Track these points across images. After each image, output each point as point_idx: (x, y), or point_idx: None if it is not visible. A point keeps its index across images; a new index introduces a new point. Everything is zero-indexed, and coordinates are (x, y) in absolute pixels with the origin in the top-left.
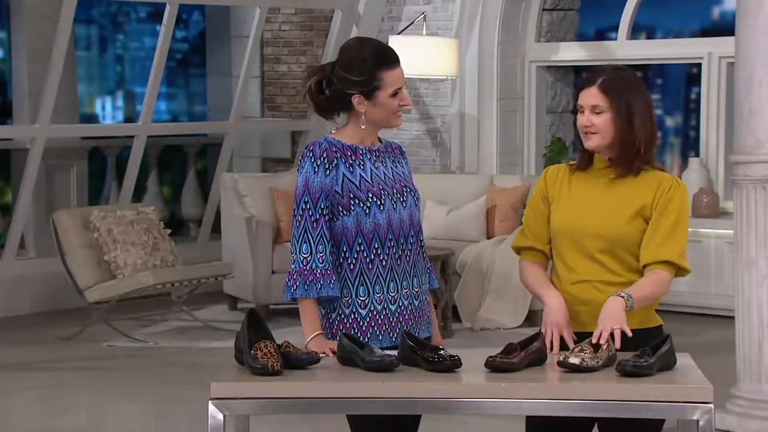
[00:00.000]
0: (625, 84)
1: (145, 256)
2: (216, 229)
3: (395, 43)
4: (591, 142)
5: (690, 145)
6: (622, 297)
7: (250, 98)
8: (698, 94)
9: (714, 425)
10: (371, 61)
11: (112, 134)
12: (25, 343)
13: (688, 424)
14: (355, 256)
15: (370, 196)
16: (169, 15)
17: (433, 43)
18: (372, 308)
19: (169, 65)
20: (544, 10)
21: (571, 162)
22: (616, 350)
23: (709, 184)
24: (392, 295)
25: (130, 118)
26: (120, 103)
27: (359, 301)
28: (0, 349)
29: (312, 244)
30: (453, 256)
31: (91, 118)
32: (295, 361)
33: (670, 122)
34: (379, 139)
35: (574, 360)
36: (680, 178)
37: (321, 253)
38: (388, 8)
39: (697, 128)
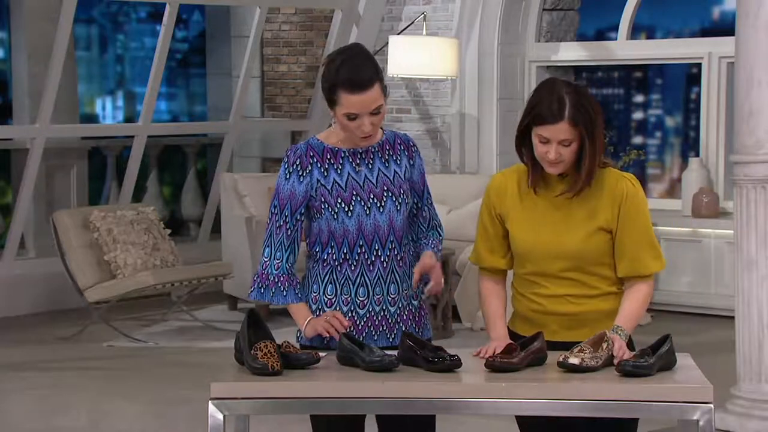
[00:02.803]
0: (589, 109)
1: (145, 256)
2: (216, 229)
3: (395, 43)
4: (556, 170)
5: (690, 145)
6: (618, 335)
7: (250, 98)
8: (698, 94)
9: (714, 425)
10: (336, 76)
11: (112, 134)
12: (25, 343)
13: (688, 424)
14: (325, 257)
15: (339, 201)
16: (169, 15)
17: (433, 43)
18: (338, 309)
19: (169, 65)
20: (544, 10)
21: (518, 170)
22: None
23: (709, 184)
24: (361, 299)
25: (130, 118)
26: (120, 103)
27: (326, 299)
28: (0, 349)
29: (272, 249)
30: (453, 256)
31: (91, 118)
32: (295, 361)
33: (670, 122)
34: (383, 130)
35: (573, 360)
36: (675, 176)
37: (278, 260)
38: (388, 8)
39: (697, 128)
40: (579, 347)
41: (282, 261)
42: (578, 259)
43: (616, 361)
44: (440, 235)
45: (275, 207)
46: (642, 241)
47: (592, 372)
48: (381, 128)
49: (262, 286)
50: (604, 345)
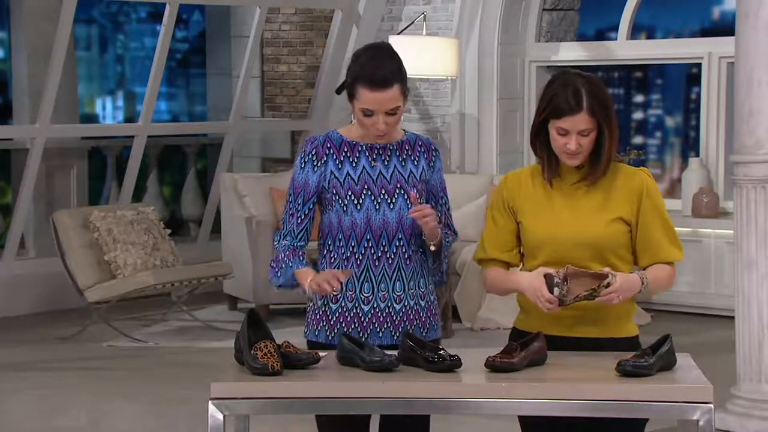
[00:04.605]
0: (604, 99)
1: (145, 256)
2: (216, 229)
3: (395, 43)
4: (576, 161)
5: (690, 145)
6: (641, 280)
7: (250, 98)
8: (698, 94)
9: (714, 425)
10: (358, 71)
11: (112, 134)
12: (25, 343)
13: (688, 424)
14: (336, 251)
15: (349, 194)
16: (169, 15)
17: (433, 43)
18: (343, 305)
19: (169, 65)
20: (544, 10)
21: (530, 168)
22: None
23: (709, 184)
24: (366, 295)
25: (130, 118)
26: (120, 103)
27: (331, 296)
28: (0, 349)
29: (283, 234)
30: (453, 256)
31: (91, 118)
32: (295, 361)
33: (670, 122)
34: (405, 131)
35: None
36: (669, 174)
37: (286, 241)
38: (388, 8)
39: (697, 128)
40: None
41: (289, 243)
42: (597, 246)
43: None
44: (455, 234)
45: (290, 195)
46: (665, 233)
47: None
48: (404, 130)
49: (277, 269)
50: (604, 282)
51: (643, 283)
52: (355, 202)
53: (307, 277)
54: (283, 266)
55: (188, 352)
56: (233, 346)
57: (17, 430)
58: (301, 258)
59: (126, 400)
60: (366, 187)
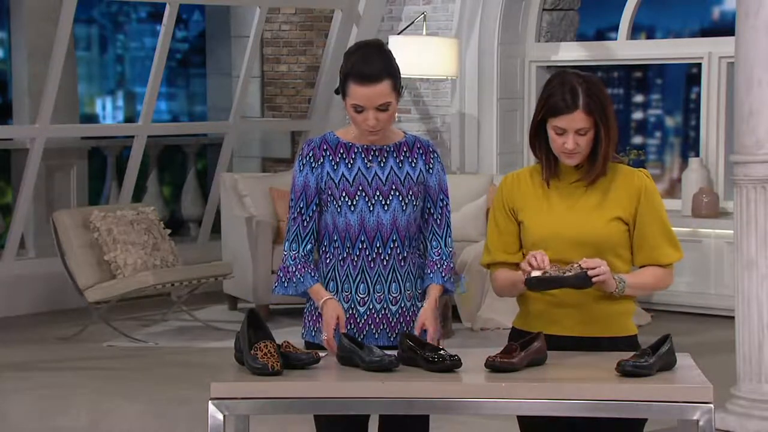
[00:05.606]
0: (601, 97)
1: (145, 256)
2: (216, 229)
3: (395, 43)
4: (574, 160)
5: (690, 145)
6: (614, 279)
7: (250, 98)
8: (698, 94)
9: (714, 425)
10: (349, 68)
11: (112, 134)
12: (25, 343)
13: (688, 424)
14: (332, 251)
15: (343, 195)
16: (169, 15)
17: (433, 43)
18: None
19: (169, 65)
20: (544, 10)
21: (529, 168)
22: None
23: (709, 184)
24: (362, 296)
25: (130, 118)
26: (120, 103)
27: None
28: (0, 349)
29: (290, 241)
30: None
31: (91, 118)
32: (295, 361)
33: (670, 122)
34: (404, 133)
35: (536, 273)
36: (674, 175)
37: (294, 251)
38: (388, 8)
39: (697, 128)
40: (543, 270)
41: (298, 252)
42: (597, 246)
43: (591, 273)
44: (446, 248)
45: (292, 200)
46: (662, 234)
47: (559, 284)
48: (403, 132)
49: (285, 280)
50: (575, 264)
51: (616, 288)
52: (349, 203)
53: (320, 297)
54: (294, 281)
55: (188, 352)
56: (233, 346)
57: (17, 430)
58: (312, 274)
59: (126, 400)
60: (360, 188)
